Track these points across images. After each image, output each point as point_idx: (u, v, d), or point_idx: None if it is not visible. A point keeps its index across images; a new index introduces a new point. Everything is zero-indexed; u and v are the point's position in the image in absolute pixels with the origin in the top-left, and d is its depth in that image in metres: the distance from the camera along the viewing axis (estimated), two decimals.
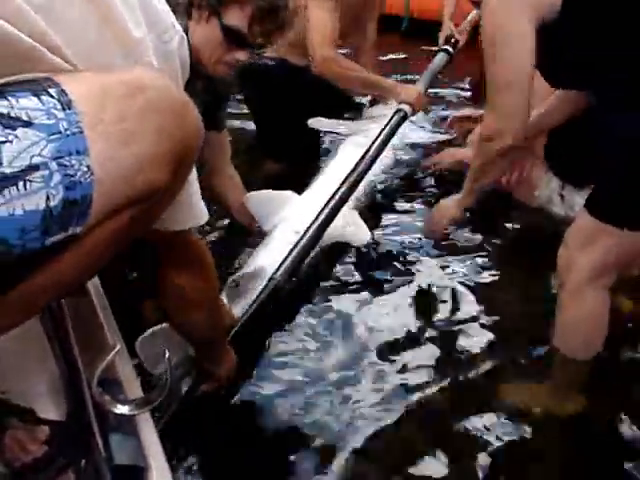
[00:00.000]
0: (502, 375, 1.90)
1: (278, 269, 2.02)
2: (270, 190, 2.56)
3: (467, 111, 3.13)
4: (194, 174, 1.20)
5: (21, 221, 0.83)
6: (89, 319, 1.24)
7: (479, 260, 2.42)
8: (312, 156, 3.18)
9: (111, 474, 0.95)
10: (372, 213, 2.65)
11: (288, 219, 2.38)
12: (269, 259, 2.14)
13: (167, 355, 1.07)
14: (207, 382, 1.66)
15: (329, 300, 2.19)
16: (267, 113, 3.15)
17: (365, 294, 2.22)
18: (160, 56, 1.09)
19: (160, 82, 0.98)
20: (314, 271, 2.27)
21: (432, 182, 2.95)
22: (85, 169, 0.87)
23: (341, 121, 3.22)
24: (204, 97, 2.20)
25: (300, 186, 2.62)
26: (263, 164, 3.15)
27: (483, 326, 2.08)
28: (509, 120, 1.86)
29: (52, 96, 0.87)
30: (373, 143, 2.59)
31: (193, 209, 1.21)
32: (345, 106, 3.50)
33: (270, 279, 1.99)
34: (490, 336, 2.03)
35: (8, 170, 0.82)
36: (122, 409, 1.01)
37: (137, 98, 0.93)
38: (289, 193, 2.55)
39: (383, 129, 2.66)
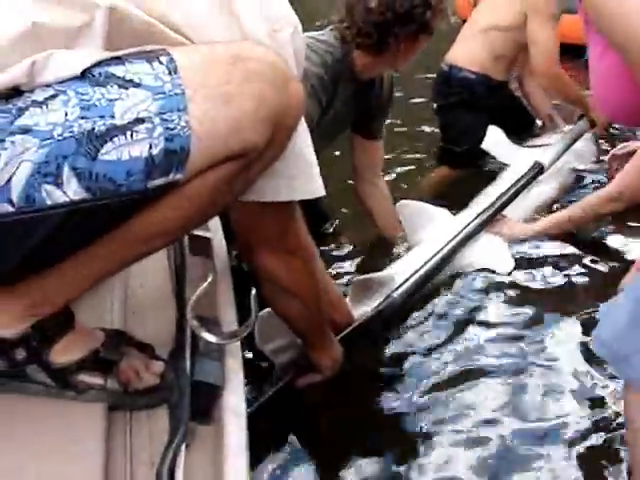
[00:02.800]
0: None
1: (399, 287, 2.13)
2: (424, 203, 2.67)
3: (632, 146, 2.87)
4: (303, 148, 1.26)
5: (127, 165, 0.97)
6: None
7: None
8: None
9: (191, 387, 1.10)
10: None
11: (434, 237, 2.46)
12: (401, 270, 2.26)
13: (253, 294, 1.19)
14: (310, 373, 1.71)
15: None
16: (457, 123, 3.41)
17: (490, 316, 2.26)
18: (272, 44, 1.17)
19: (265, 55, 1.07)
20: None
21: None
22: (184, 124, 0.99)
23: (513, 146, 3.29)
24: (359, 105, 2.39)
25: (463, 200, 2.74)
26: (438, 170, 3.38)
27: None
28: None
29: (162, 63, 1.02)
30: (507, 191, 2.69)
31: (292, 181, 1.26)
32: (528, 127, 3.59)
33: (388, 296, 2.09)
34: None
35: (119, 122, 0.97)
36: (210, 337, 1.16)
37: (240, 66, 1.04)
38: (443, 211, 2.63)
39: (518, 180, 2.76)
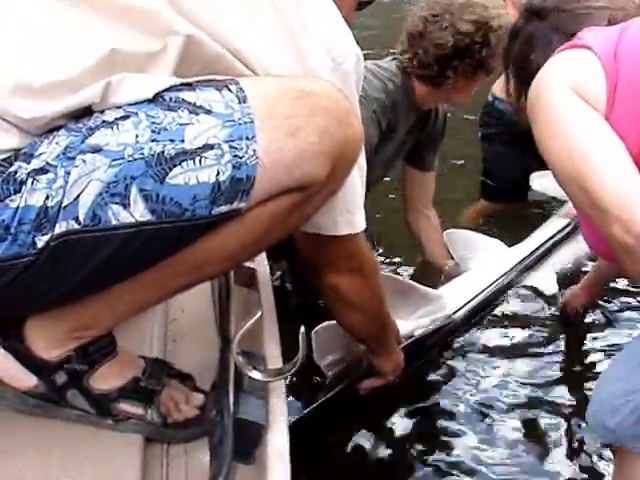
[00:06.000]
0: None
1: (460, 309, 2.17)
2: (473, 232, 2.66)
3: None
4: (357, 184, 1.28)
5: (194, 190, 0.97)
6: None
7: None
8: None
9: (234, 425, 1.06)
10: None
11: (488, 265, 2.45)
12: (450, 293, 2.25)
13: (302, 331, 1.16)
14: (373, 378, 1.78)
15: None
16: (494, 154, 3.34)
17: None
18: (336, 77, 1.18)
19: (330, 91, 1.09)
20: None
21: None
22: (252, 153, 0.99)
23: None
24: (418, 134, 2.40)
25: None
26: (479, 203, 3.34)
27: None
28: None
29: (231, 91, 1.02)
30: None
31: (352, 217, 1.29)
32: None
33: (449, 316, 2.12)
34: None
35: (188, 147, 0.97)
36: (256, 375, 1.12)
37: (306, 100, 1.05)
38: (495, 241, 2.60)
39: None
